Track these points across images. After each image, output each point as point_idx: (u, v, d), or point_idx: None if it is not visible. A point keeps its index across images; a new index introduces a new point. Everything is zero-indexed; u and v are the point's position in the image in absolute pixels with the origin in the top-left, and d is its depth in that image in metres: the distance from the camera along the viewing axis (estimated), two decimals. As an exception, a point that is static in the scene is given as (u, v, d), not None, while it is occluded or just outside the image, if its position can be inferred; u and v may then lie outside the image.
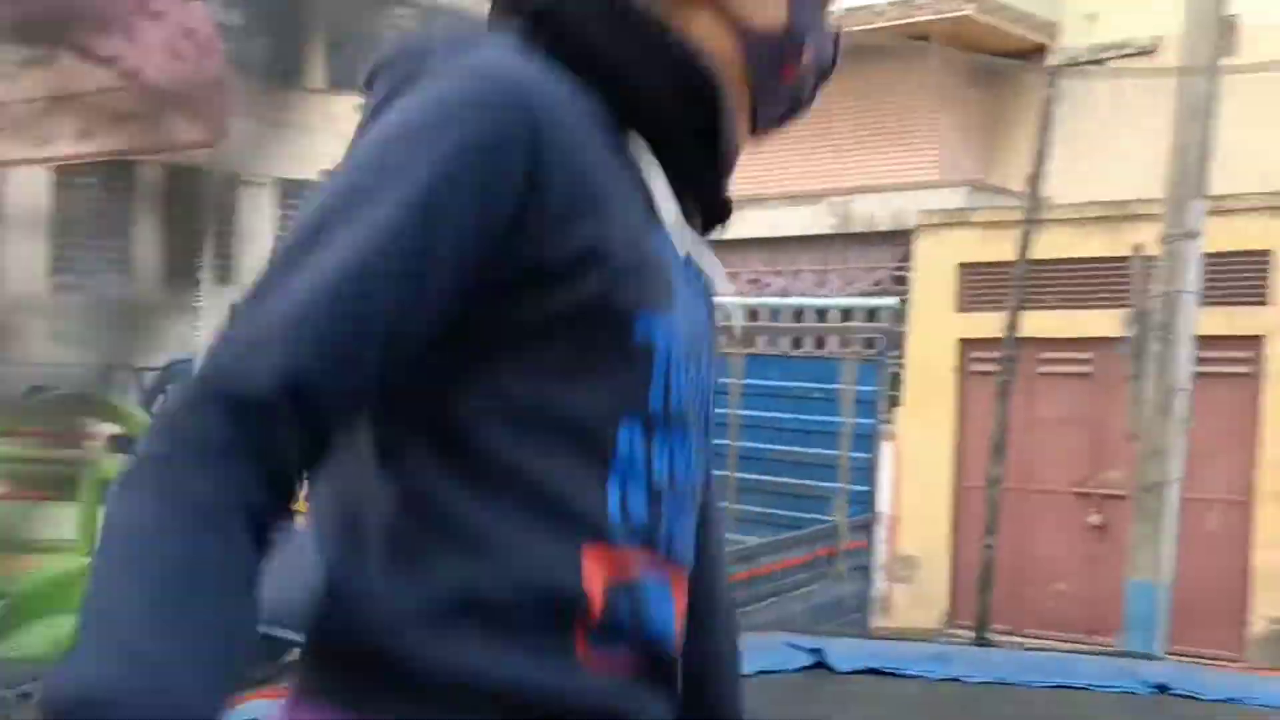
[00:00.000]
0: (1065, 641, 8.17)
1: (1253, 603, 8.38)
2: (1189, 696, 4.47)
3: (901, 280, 10.08)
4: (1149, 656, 5.25)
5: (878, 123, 10.55)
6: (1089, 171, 9.89)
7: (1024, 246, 5.15)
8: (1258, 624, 8.36)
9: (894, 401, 10.05)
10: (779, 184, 10.94)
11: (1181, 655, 7.68)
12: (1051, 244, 9.06)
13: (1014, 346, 5.07)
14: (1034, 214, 5.31)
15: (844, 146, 10.70)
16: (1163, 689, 4.53)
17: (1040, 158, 5.48)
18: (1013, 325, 5.04)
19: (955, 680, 4.51)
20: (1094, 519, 9.04)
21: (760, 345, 8.93)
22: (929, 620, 9.28)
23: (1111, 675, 4.67)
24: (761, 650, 4.64)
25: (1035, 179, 5.45)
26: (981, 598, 5.18)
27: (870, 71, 10.24)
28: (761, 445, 7.06)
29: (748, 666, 3.61)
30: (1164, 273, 5.41)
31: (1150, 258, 5.63)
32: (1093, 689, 4.56)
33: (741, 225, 7.85)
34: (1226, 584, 8.40)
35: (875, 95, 10.46)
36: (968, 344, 9.44)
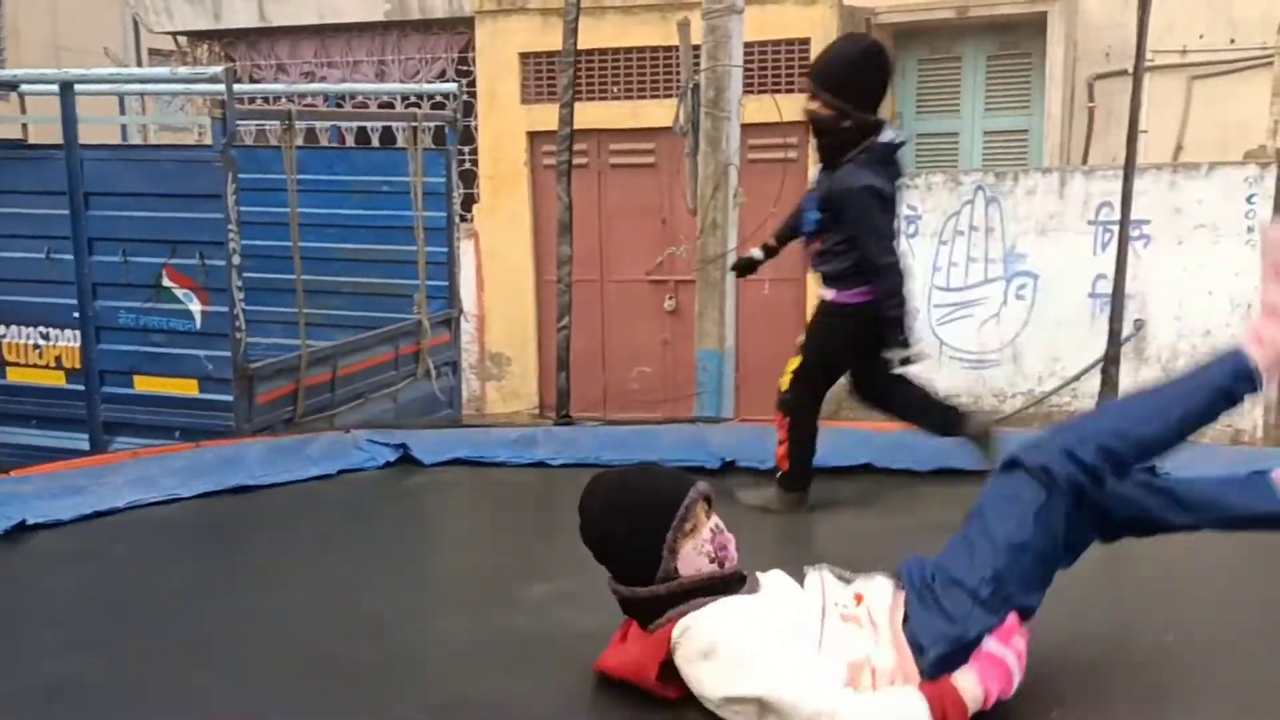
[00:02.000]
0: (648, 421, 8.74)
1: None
2: (752, 469, 4.76)
3: (465, 73, 9.84)
4: (718, 420, 5.61)
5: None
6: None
7: (571, 35, 5.05)
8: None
9: (471, 200, 9.99)
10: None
11: (748, 421, 8.44)
12: (610, 33, 9.20)
13: (570, 125, 5.04)
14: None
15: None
16: (730, 465, 4.78)
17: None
18: (569, 102, 4.99)
19: (542, 464, 4.58)
20: (669, 303, 9.55)
21: (322, 140, 8.45)
22: (522, 415, 9.55)
23: (684, 447, 4.86)
24: (343, 448, 4.51)
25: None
26: (560, 377, 5.29)
27: None
28: (330, 244, 6.73)
29: (329, 466, 3.43)
30: (709, 47, 5.57)
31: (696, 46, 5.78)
32: (666, 463, 4.79)
33: (286, 12, 7.19)
34: (784, 353, 9.22)
35: None
36: (536, 136, 9.45)
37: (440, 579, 3.40)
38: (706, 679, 2.24)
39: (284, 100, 7.25)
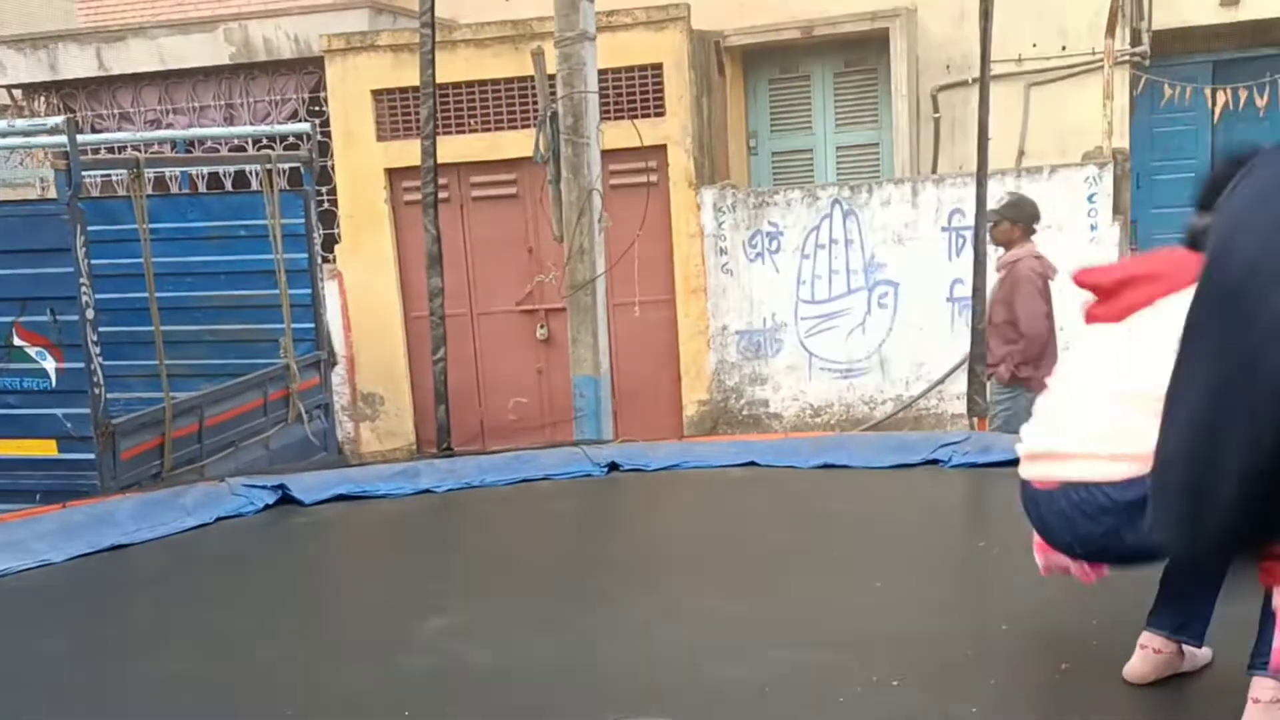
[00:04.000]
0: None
1: (682, 389, 9.42)
2: (637, 469, 4.88)
3: (318, 112, 9.68)
4: (599, 442, 5.63)
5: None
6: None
7: (429, 55, 5.04)
8: (689, 408, 9.43)
9: (333, 240, 9.80)
10: (160, 11, 9.95)
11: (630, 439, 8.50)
12: (463, 66, 9.18)
13: (434, 157, 5.01)
14: (431, 20, 5.19)
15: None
16: (614, 466, 4.90)
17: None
18: (430, 134, 4.96)
19: (426, 491, 4.54)
20: (541, 333, 9.52)
21: (173, 187, 8.20)
22: (399, 453, 9.38)
23: (567, 462, 4.94)
24: (218, 496, 4.37)
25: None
26: (439, 410, 5.23)
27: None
28: (189, 293, 6.54)
29: (206, 515, 3.30)
30: (564, 75, 5.60)
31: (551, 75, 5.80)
32: (552, 477, 4.83)
33: (126, 60, 6.94)
34: (659, 375, 9.35)
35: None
36: (395, 173, 9.35)
37: (331, 623, 3.30)
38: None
39: (130, 149, 7.03)
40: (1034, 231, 6.52)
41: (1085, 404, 2.48)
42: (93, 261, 5.08)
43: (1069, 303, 3.03)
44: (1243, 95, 8.93)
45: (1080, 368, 2.56)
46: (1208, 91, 9.10)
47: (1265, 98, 8.87)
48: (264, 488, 4.39)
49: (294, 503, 4.34)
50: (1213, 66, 9.61)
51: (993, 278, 6.42)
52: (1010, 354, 6.28)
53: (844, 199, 9.13)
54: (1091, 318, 2.54)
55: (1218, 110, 9.04)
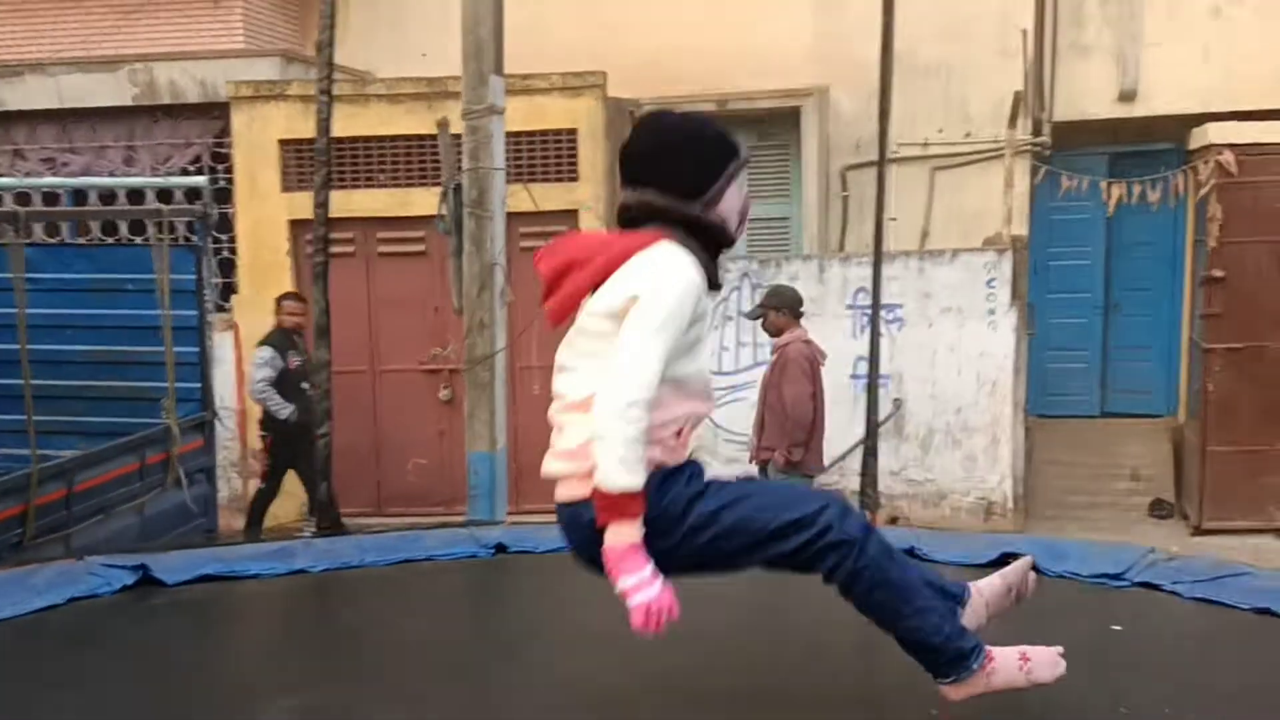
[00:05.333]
0: (426, 515, 8.49)
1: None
2: (525, 552, 4.76)
3: (223, 158, 9.47)
4: (490, 523, 5.52)
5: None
6: (414, 45, 9.99)
7: (325, 122, 4.94)
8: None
9: (230, 290, 9.56)
10: (63, 48, 9.68)
11: (528, 513, 8.35)
12: (374, 120, 9.07)
13: (325, 225, 4.89)
14: (328, 87, 5.10)
15: (135, 7, 9.65)
16: (501, 548, 4.77)
17: (328, 23, 5.24)
18: (323, 201, 4.84)
19: (301, 572, 4.36)
20: (444, 394, 9.37)
21: (65, 233, 7.92)
22: (290, 513, 9.10)
23: (454, 543, 4.81)
24: (73, 575, 4.13)
25: (323, 45, 5.21)
26: (322, 488, 5.06)
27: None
28: (69, 347, 6.28)
29: (57, 595, 3.08)
30: (470, 148, 5.54)
31: (458, 135, 5.73)
32: (436, 558, 4.69)
33: (22, 95, 6.74)
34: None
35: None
36: (298, 225, 9.17)
37: (177, 707, 3.12)
38: (619, 290, 2.32)
39: (12, 195, 6.77)
40: (801, 315, 6.73)
41: (558, 420, 2.49)
42: (-35, 311, 4.84)
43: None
44: (1136, 189, 9.20)
45: (556, 379, 2.54)
46: (1104, 184, 9.36)
47: (1158, 193, 9.15)
48: (123, 567, 4.16)
49: (156, 583, 4.12)
50: (1109, 159, 9.91)
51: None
52: (783, 438, 6.38)
53: (753, 272, 9.18)
54: (547, 314, 2.49)
55: (1112, 202, 9.30)
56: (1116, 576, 4.05)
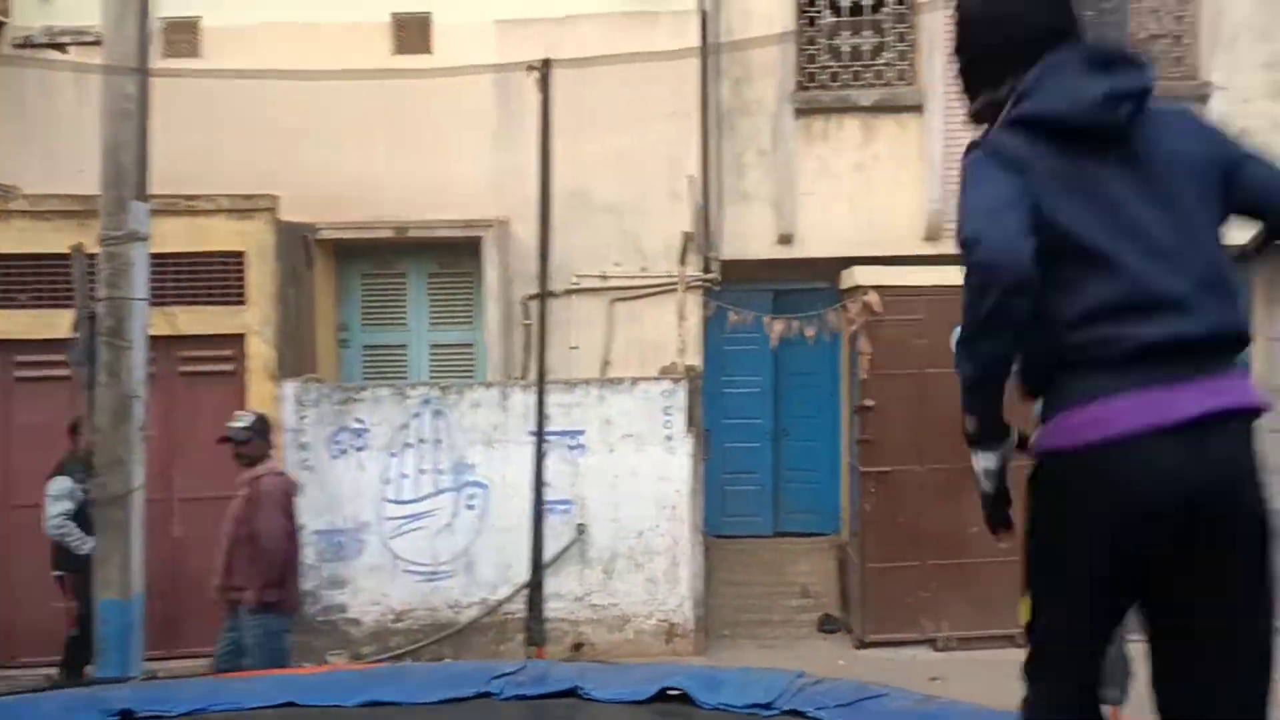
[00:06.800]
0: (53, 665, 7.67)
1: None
2: (155, 716, 4.33)
3: None
4: (118, 680, 5.01)
5: None
6: (72, 161, 9.35)
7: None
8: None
9: None
10: None
11: (182, 657, 7.67)
12: (16, 237, 8.39)
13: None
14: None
15: None
16: (128, 714, 4.33)
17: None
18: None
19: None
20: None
21: None
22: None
23: (70, 709, 4.32)
24: None
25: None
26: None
27: None
28: None
29: None
30: (108, 275, 5.17)
31: (93, 256, 5.36)
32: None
33: None
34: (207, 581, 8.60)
35: None
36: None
37: None
38: None
39: None
40: (272, 446, 6.60)
41: None
42: None
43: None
44: (795, 324, 9.86)
45: None
46: (766, 319, 9.96)
47: (814, 328, 9.84)
48: None
49: None
50: (774, 295, 10.58)
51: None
52: (255, 577, 6.09)
53: (435, 398, 9.06)
54: None
55: (775, 336, 9.90)
56: (767, 705, 4.18)
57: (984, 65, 2.36)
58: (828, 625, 9.86)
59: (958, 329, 2.14)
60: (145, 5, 5.30)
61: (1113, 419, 2.02)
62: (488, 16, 9.84)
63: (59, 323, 8.27)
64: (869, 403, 9.35)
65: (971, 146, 2.27)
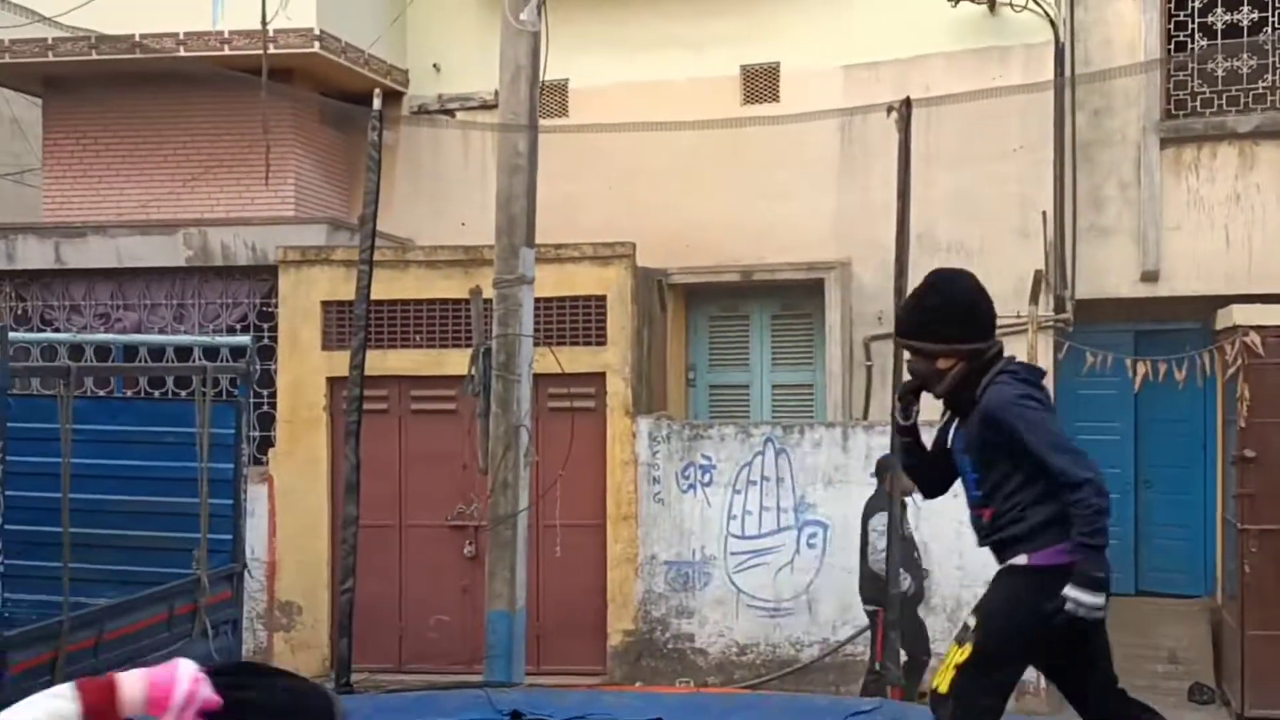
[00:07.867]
0: (447, 673, 8.45)
1: (608, 617, 9.30)
2: (542, 718, 4.79)
3: (268, 316, 9.85)
4: (507, 685, 5.54)
5: (231, 155, 10.23)
6: (457, 215, 10.45)
7: (365, 290, 5.23)
8: (614, 637, 9.28)
9: (268, 443, 9.79)
10: (124, 211, 10.22)
11: (548, 673, 8.30)
12: (412, 284, 9.45)
13: (360, 385, 5.11)
14: (369, 253, 5.41)
15: (195, 176, 10.22)
16: (517, 716, 4.79)
17: (372, 199, 5.61)
18: (359, 364, 5.08)
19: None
20: (468, 550, 9.43)
21: (114, 386, 8.23)
22: (312, 667, 9.09)
23: (468, 707, 4.84)
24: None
25: (367, 219, 5.57)
26: (342, 644, 5.13)
27: (221, 102, 9.94)
28: (109, 496, 6.46)
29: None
30: (500, 314, 5.78)
31: (490, 300, 6.00)
32: (450, 720, 4.72)
33: (83, 255, 7.14)
34: (586, 600, 9.25)
35: (228, 126, 10.16)
36: (335, 382, 9.44)
37: None
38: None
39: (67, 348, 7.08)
40: None
41: None
42: (17, 458, 5.04)
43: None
44: (1161, 367, 9.27)
45: None
46: (1128, 361, 9.46)
47: (1183, 371, 9.20)
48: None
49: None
50: (1134, 336, 10.04)
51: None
52: None
53: (777, 437, 9.28)
54: None
55: (1137, 380, 9.37)
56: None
57: None
58: (1200, 695, 9.14)
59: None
60: (536, 70, 5.91)
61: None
62: (836, 62, 10.05)
63: (447, 360, 9.29)
64: (1249, 453, 8.68)
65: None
